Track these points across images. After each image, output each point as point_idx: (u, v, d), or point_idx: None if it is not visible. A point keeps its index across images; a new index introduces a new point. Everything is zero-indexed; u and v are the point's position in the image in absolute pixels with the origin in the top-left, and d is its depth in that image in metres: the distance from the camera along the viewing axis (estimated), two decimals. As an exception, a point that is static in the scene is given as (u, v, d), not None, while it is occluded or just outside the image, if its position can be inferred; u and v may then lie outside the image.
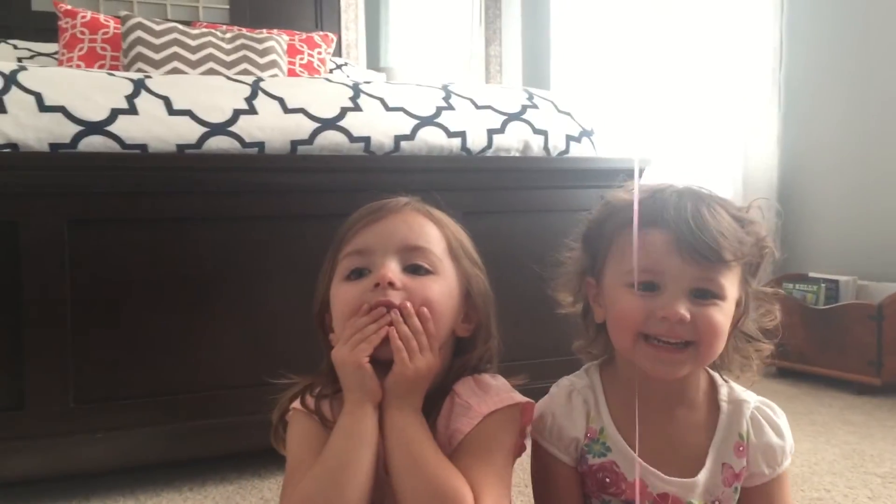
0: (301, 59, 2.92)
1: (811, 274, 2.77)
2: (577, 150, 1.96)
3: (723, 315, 0.90)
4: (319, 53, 3.02)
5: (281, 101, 1.67)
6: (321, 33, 3.20)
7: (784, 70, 3.06)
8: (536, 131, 1.90)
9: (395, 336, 0.88)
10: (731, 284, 0.91)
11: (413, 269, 0.93)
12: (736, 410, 0.98)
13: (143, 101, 1.57)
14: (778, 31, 3.02)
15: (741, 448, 0.96)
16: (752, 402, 0.99)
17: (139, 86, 1.60)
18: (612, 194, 0.99)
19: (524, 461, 1.63)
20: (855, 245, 2.83)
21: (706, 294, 0.89)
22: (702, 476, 0.95)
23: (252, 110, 1.63)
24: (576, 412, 0.99)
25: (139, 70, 2.46)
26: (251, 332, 1.60)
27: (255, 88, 1.68)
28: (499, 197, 1.83)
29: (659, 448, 0.96)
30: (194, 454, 1.64)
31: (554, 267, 1.06)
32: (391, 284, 0.89)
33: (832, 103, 2.92)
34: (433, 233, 0.96)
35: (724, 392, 1.00)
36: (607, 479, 0.97)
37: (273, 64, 2.62)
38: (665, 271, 0.89)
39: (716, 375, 1.01)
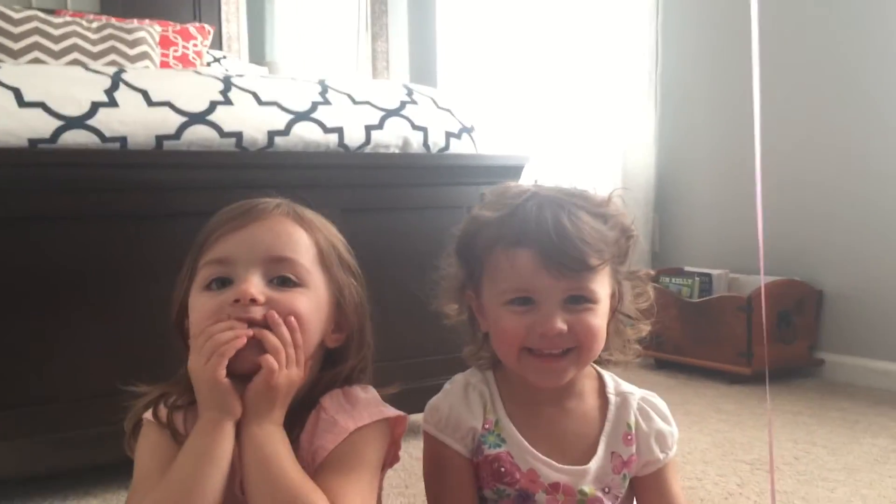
0: (175, 51, 2.80)
1: (686, 268, 2.87)
2: (457, 147, 1.95)
3: (598, 318, 0.94)
4: (195, 45, 2.91)
5: (144, 93, 1.58)
6: (197, 24, 3.09)
7: (660, 70, 3.15)
8: (416, 127, 1.88)
9: (268, 342, 0.83)
10: (602, 286, 0.94)
11: (279, 282, 0.87)
12: (623, 402, 1.02)
13: (-12, 92, 1.46)
14: (654, 32, 3.10)
15: (629, 437, 1.00)
16: (637, 394, 1.04)
17: (-14, 76, 1.49)
18: (476, 208, 0.99)
19: (408, 463, 1.63)
20: (727, 239, 2.95)
21: (580, 300, 0.92)
22: (593, 464, 0.98)
23: (112, 103, 1.54)
24: (473, 403, 1.00)
25: (-5, 60, 2.31)
26: (114, 337, 1.52)
27: (117, 80, 1.59)
28: (378, 194, 1.80)
29: (551, 439, 0.99)
30: (54, 468, 1.55)
31: (433, 284, 1.05)
32: (253, 301, 0.84)
33: (706, 104, 3.02)
34: (303, 240, 0.90)
35: (611, 386, 1.03)
36: (502, 469, 0.98)
37: (144, 56, 2.51)
38: (536, 288, 0.91)
39: (603, 372, 1.05)
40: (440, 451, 1.00)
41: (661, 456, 1.00)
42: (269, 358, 0.82)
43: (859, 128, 2.51)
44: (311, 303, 0.88)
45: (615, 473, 0.99)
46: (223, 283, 0.87)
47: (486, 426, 0.99)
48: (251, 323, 0.83)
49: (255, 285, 0.85)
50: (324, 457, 0.86)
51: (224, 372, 0.81)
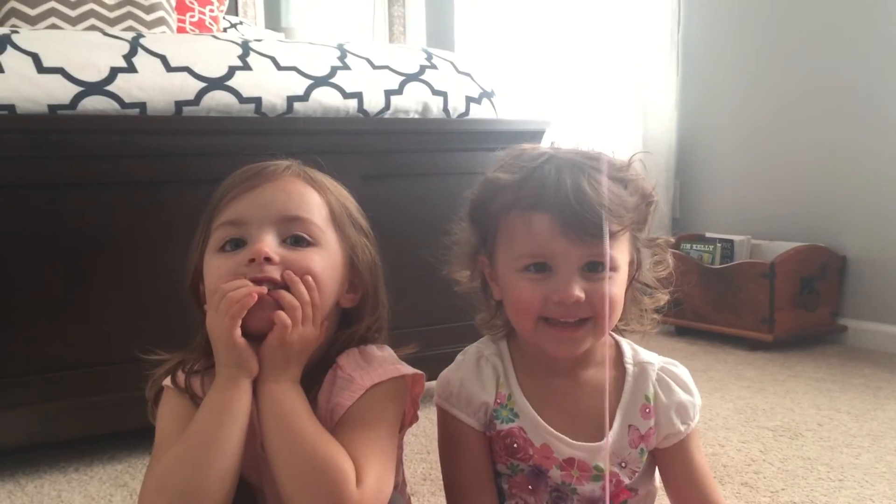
0: (192, 16, 2.78)
1: (708, 234, 2.84)
2: (477, 112, 1.92)
3: (617, 286, 0.90)
4: (211, 11, 2.88)
5: (163, 58, 1.57)
6: (214, -11, 3.05)
7: (682, 32, 3.10)
8: (435, 92, 1.86)
9: (284, 300, 0.82)
10: (621, 253, 0.90)
11: (293, 241, 0.87)
12: (642, 373, 0.98)
13: (8, 57, 1.45)
14: (676, -8, 3.05)
15: (647, 410, 0.96)
16: (657, 363, 0.99)
17: (4, 41, 1.48)
18: (491, 171, 0.95)
19: (428, 428, 1.63)
20: (749, 205, 2.92)
21: (598, 267, 0.88)
22: (608, 439, 0.95)
23: (131, 68, 1.53)
24: (486, 377, 0.98)
25: (13, 27, 2.30)
26: (135, 303, 1.53)
27: (135, 45, 1.58)
28: (397, 160, 1.79)
29: (566, 413, 0.96)
30: (79, 434, 1.57)
31: (444, 249, 1.03)
32: (268, 260, 0.83)
33: (728, 65, 2.97)
34: (314, 200, 0.90)
35: (629, 355, 1.00)
36: (515, 445, 0.96)
37: (161, 21, 2.48)
38: (554, 253, 0.88)
39: (621, 340, 1.01)
40: (453, 426, 0.98)
41: (683, 428, 0.96)
42: (282, 314, 0.82)
43: (885, 90, 2.46)
44: (326, 262, 0.88)
45: (632, 448, 0.96)
46: (237, 244, 0.87)
47: (499, 400, 0.97)
48: (267, 282, 0.83)
49: (269, 244, 0.85)
50: (341, 414, 0.86)
51: (239, 331, 0.81)
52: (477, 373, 0.98)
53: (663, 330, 2.79)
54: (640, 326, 1.00)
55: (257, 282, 0.82)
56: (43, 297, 1.46)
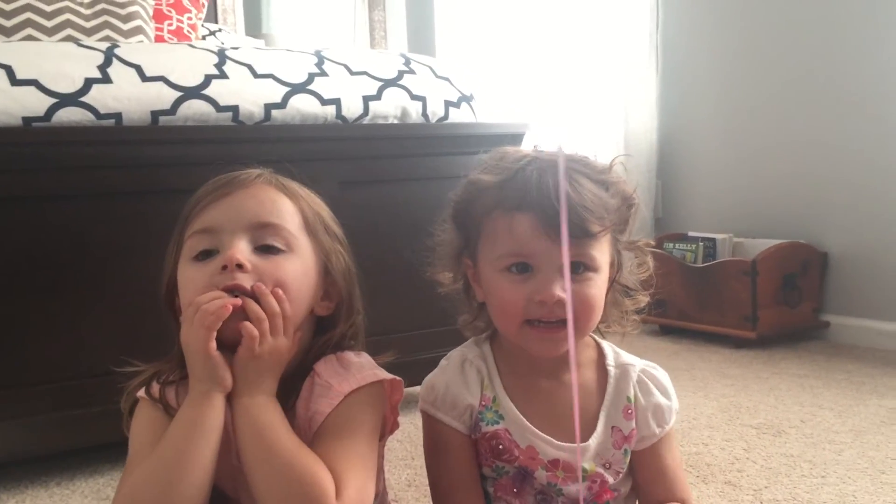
0: (170, 24, 2.77)
1: (690, 233, 2.85)
2: (456, 116, 1.92)
3: (597, 288, 0.91)
4: (189, 19, 2.87)
5: (138, 68, 1.56)
6: (191, -3, 3.04)
7: (661, 32, 3.11)
8: (414, 97, 1.86)
9: (251, 311, 0.82)
10: (602, 253, 0.91)
11: (265, 249, 0.86)
12: (623, 374, 0.99)
13: (-19, 71, 1.44)
14: (654, -7, 3.06)
15: (629, 411, 0.98)
16: (638, 365, 1.01)
17: (-24, 54, 1.47)
18: (474, 173, 0.96)
19: (413, 434, 1.63)
20: (731, 203, 2.93)
21: (579, 267, 0.90)
22: (593, 440, 0.96)
23: (106, 79, 1.52)
24: (470, 380, 0.98)
25: (-12, 38, 2.28)
26: (113, 315, 1.51)
27: (110, 55, 1.57)
28: (377, 166, 1.79)
29: (549, 414, 0.96)
30: (61, 447, 1.56)
31: (428, 250, 1.03)
32: (240, 266, 0.83)
33: (708, 64, 2.99)
34: (287, 207, 0.90)
35: (611, 357, 1.01)
36: (500, 447, 0.96)
37: (138, 30, 2.47)
38: (536, 253, 0.89)
39: (602, 342, 1.03)
40: (438, 430, 0.99)
41: (658, 431, 0.98)
42: (249, 325, 0.82)
43: (864, 87, 2.47)
44: (299, 269, 0.88)
45: (616, 448, 0.97)
46: (209, 254, 0.86)
47: (484, 403, 0.97)
48: (238, 290, 0.83)
49: (241, 251, 0.85)
50: (320, 422, 0.85)
51: (214, 344, 0.81)
52: (461, 376, 0.99)
53: (647, 329, 2.81)
54: (620, 328, 1.01)
55: (229, 290, 0.82)
56: (20, 311, 1.45)
